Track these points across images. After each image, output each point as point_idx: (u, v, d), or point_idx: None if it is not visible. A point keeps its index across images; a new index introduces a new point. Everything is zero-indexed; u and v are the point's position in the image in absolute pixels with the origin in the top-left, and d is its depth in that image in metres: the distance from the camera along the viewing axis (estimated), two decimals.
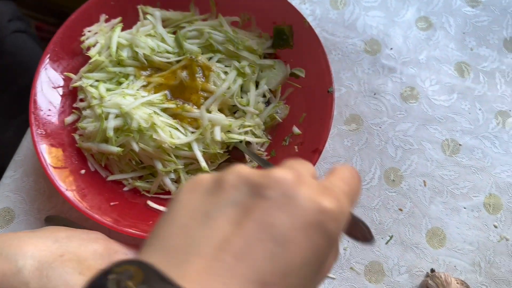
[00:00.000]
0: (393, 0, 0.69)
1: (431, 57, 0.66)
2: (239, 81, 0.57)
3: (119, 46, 0.58)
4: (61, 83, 0.58)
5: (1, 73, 0.89)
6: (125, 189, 0.55)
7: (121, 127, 0.52)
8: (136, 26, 0.61)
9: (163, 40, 0.59)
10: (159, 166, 0.53)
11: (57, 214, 0.58)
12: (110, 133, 0.52)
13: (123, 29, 0.61)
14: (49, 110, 0.56)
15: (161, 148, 0.52)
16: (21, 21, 0.95)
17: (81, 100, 0.58)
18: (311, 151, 0.54)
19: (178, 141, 0.52)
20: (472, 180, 0.60)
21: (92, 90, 0.55)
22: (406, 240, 0.58)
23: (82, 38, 0.59)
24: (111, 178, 0.56)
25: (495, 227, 0.58)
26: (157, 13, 0.61)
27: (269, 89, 0.59)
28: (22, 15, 0.96)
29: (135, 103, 0.52)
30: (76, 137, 0.56)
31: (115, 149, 0.52)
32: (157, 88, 0.56)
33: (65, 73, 0.58)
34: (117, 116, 0.52)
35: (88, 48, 0.60)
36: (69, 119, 0.57)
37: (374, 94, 0.64)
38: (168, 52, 0.58)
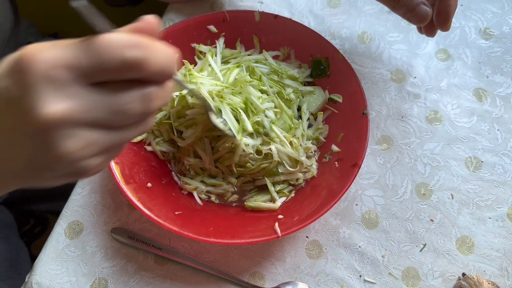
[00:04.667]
0: (414, 35, 0.77)
1: (451, 84, 0.74)
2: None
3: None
4: None
5: None
6: (198, 196, 0.64)
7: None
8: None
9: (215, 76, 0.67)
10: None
11: (121, 226, 0.65)
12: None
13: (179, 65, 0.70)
14: None
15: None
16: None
17: None
18: (351, 165, 0.61)
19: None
20: (495, 193, 0.66)
21: None
22: (438, 248, 0.63)
23: None
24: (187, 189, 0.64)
25: None
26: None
27: (310, 112, 0.67)
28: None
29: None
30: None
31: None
32: None
33: None
34: None
35: None
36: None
37: (402, 117, 0.71)
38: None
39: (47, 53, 0.30)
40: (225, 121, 0.59)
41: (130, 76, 0.32)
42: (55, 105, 0.30)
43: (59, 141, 0.31)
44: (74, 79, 0.31)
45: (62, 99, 0.30)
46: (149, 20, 0.35)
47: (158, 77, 0.34)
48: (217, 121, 0.58)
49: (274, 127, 0.62)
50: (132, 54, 0.31)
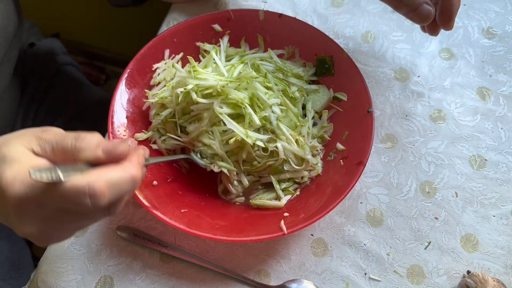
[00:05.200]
0: (418, 34, 0.78)
1: (455, 83, 0.74)
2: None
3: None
4: (131, 108, 0.66)
5: (57, 100, 0.98)
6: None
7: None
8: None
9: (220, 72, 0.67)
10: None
11: (127, 224, 0.65)
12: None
13: (184, 63, 0.70)
14: (124, 131, 0.64)
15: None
16: (67, 55, 1.06)
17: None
18: (356, 164, 0.61)
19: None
20: (499, 191, 0.67)
21: None
22: (442, 246, 0.64)
23: (154, 75, 0.69)
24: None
25: None
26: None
27: (315, 111, 0.67)
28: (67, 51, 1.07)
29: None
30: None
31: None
32: None
33: (146, 90, 0.68)
34: None
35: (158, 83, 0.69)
36: (138, 135, 0.65)
37: (406, 116, 0.72)
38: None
39: (17, 190, 0.40)
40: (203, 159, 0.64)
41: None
42: (27, 228, 0.42)
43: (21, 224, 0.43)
44: (36, 209, 0.41)
45: (30, 225, 0.42)
46: (122, 149, 0.44)
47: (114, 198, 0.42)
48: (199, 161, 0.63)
49: (280, 124, 0.62)
50: (88, 202, 0.39)
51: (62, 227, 0.44)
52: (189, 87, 0.61)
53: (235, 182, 0.63)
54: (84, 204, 0.39)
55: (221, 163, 0.62)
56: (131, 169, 0.42)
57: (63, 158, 0.43)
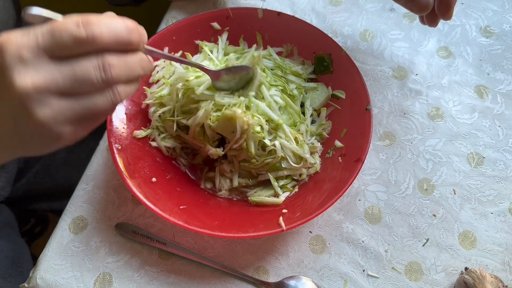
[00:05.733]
0: (416, 32, 0.78)
1: (453, 82, 0.74)
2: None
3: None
4: (130, 105, 0.66)
5: None
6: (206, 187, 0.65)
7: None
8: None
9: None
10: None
11: (125, 221, 0.65)
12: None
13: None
14: (123, 127, 0.64)
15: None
16: None
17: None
18: (354, 161, 0.61)
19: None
20: (496, 188, 0.67)
21: None
22: (440, 243, 0.64)
23: (153, 73, 0.69)
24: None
25: None
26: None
27: (313, 108, 0.68)
28: None
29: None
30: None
31: None
32: None
33: (144, 87, 0.68)
34: None
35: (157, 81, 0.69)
36: (137, 132, 0.65)
37: (404, 114, 0.72)
38: None
39: (14, 38, 0.36)
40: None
41: (87, 49, 0.38)
42: (26, 78, 0.36)
43: (35, 108, 0.37)
44: (36, 57, 0.37)
45: (30, 73, 0.36)
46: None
47: (114, 47, 0.39)
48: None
49: (280, 121, 0.62)
50: (80, 31, 0.37)
51: (67, 90, 0.38)
52: (191, 78, 0.62)
53: (227, 180, 0.63)
54: (76, 35, 0.36)
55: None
56: (128, 20, 0.40)
57: None
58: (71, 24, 0.37)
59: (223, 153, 0.63)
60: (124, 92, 0.41)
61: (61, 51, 0.37)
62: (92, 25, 0.37)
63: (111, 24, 0.38)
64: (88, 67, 0.38)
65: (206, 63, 0.66)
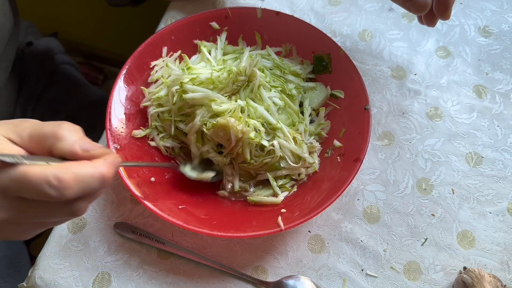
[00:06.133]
0: (414, 32, 0.78)
1: (451, 81, 0.74)
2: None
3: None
4: (129, 105, 0.66)
5: (55, 99, 0.98)
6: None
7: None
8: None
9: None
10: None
11: (124, 221, 0.65)
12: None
13: (181, 61, 0.70)
14: (122, 127, 0.64)
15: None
16: (65, 54, 1.06)
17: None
18: (353, 160, 0.61)
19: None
20: (495, 188, 0.67)
21: None
22: (439, 242, 0.64)
23: (152, 72, 0.69)
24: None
25: None
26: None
27: (312, 108, 0.68)
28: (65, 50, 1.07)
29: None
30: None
31: None
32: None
33: (142, 87, 0.68)
34: None
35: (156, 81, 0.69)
36: (136, 132, 0.65)
37: (403, 113, 0.72)
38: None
39: None
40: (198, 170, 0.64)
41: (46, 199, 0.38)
42: None
43: None
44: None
45: None
46: (100, 151, 0.42)
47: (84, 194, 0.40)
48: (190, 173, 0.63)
49: (278, 125, 0.62)
50: (51, 193, 0.37)
51: (23, 221, 0.41)
52: (185, 80, 0.62)
53: (229, 184, 0.64)
54: (47, 193, 0.37)
55: (209, 173, 0.63)
56: (101, 167, 0.40)
57: (40, 147, 0.41)
58: (43, 182, 0.37)
59: (228, 161, 0.64)
60: (86, 207, 0.43)
61: (27, 196, 0.38)
62: (65, 189, 0.37)
63: (85, 184, 0.39)
64: (54, 212, 0.40)
65: (202, 65, 0.66)
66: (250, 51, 0.71)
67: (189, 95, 0.61)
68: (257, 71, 0.62)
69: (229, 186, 0.64)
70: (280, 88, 0.65)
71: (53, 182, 0.37)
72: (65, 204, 0.40)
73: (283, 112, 0.64)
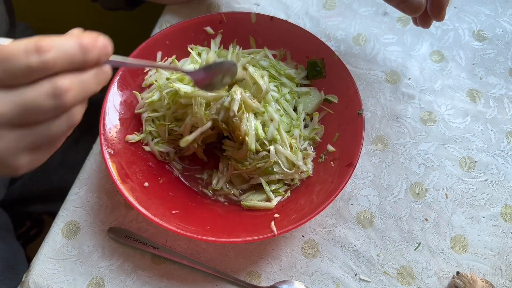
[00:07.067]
0: (409, 37, 0.78)
1: (445, 86, 0.74)
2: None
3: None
4: (123, 110, 0.67)
5: None
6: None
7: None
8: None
9: None
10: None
11: (118, 226, 0.65)
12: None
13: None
14: (116, 132, 0.64)
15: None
16: None
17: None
18: (346, 165, 0.62)
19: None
20: (488, 192, 0.67)
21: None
22: (432, 247, 0.64)
23: (146, 77, 0.69)
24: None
25: None
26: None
27: (306, 113, 0.68)
28: None
29: None
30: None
31: None
32: None
33: (134, 92, 0.68)
34: None
35: (150, 85, 0.69)
36: (130, 137, 0.65)
37: (397, 118, 0.72)
38: None
39: None
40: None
41: (39, 76, 0.35)
42: None
43: None
44: None
45: None
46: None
47: (69, 69, 0.36)
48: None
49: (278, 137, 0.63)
50: (30, 60, 0.33)
51: (21, 121, 0.36)
52: (172, 77, 0.63)
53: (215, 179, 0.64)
54: (28, 62, 0.34)
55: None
56: (83, 38, 0.36)
57: None
58: (21, 51, 0.34)
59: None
60: (80, 112, 0.39)
61: (10, 80, 0.34)
62: (43, 52, 0.34)
63: (63, 47, 0.35)
64: (40, 95, 0.35)
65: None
66: (249, 54, 0.71)
67: (181, 86, 0.61)
68: (258, 75, 0.62)
69: (214, 181, 0.65)
70: (277, 98, 0.66)
71: (31, 47, 0.34)
72: (53, 93, 0.35)
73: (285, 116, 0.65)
